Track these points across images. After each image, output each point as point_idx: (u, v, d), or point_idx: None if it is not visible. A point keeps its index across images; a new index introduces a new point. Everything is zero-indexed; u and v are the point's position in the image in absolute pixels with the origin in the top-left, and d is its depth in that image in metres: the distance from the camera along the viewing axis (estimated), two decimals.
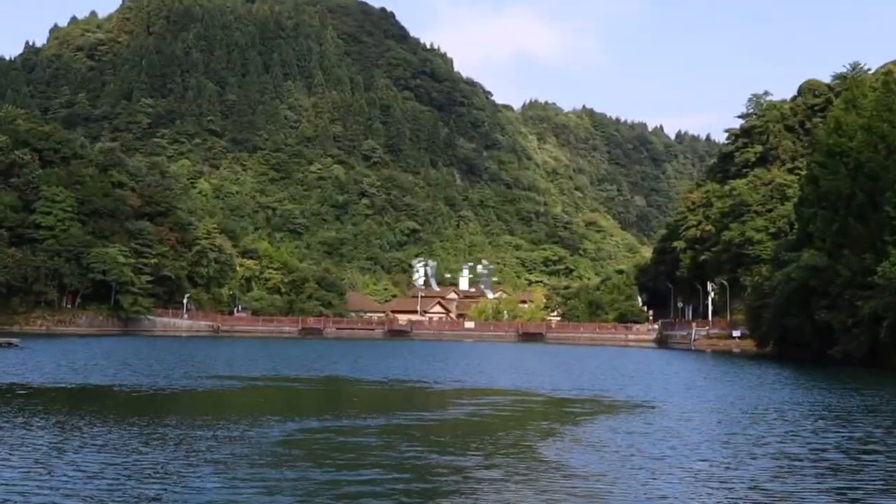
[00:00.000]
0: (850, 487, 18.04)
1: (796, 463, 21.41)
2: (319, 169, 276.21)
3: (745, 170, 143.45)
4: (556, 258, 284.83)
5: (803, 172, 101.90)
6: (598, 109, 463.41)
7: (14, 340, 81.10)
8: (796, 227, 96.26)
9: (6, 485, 16.33)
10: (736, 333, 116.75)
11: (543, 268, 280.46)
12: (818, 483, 18.58)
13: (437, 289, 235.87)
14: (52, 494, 15.51)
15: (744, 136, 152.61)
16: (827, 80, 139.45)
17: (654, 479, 18.92)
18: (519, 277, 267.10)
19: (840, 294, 74.03)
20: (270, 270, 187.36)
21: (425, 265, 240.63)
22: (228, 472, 18.47)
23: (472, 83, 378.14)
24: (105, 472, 18.00)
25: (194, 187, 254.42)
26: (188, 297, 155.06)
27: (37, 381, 42.29)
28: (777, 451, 23.44)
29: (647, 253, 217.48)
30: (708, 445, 24.53)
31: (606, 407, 36.74)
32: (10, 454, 19.94)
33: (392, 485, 17.91)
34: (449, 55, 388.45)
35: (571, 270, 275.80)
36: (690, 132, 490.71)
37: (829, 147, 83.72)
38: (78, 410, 30.33)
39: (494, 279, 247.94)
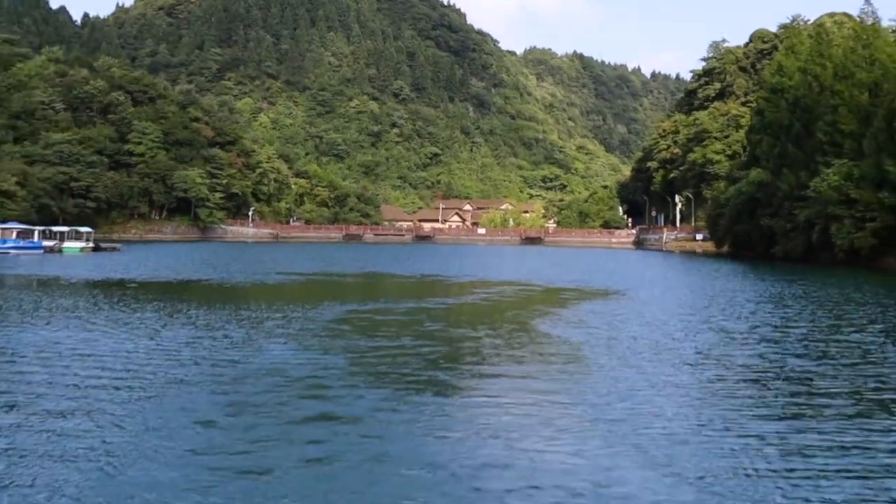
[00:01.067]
0: (773, 352, 18.86)
1: (734, 335, 22.09)
2: (357, 104, 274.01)
3: (706, 103, 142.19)
4: (552, 176, 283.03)
5: (753, 106, 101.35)
6: (586, 54, 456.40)
7: (117, 245, 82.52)
8: (747, 150, 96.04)
9: (129, 353, 17.42)
10: (699, 237, 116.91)
11: (542, 184, 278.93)
12: (749, 349, 19.41)
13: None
14: (161, 358, 16.49)
15: (705, 75, 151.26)
16: (774, 29, 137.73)
17: (623, 346, 19.71)
18: (522, 192, 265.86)
19: (781, 204, 74.21)
20: (319, 188, 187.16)
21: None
22: (295, 341, 19.41)
23: (481, 33, 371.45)
24: (200, 342, 19.01)
25: (256, 121, 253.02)
26: (253, 210, 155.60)
27: (140, 276, 43.33)
28: (721, 326, 24.04)
29: (627, 171, 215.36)
30: (667, 323, 25.10)
31: (590, 294, 37.45)
32: (129, 331, 20.95)
33: (421, 349, 18.89)
34: (462, 10, 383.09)
35: (565, 186, 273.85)
36: (663, 72, 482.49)
37: (773, 85, 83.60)
38: (175, 298, 31.29)
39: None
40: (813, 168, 69.85)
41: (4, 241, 70.42)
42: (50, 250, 71.76)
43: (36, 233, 75.30)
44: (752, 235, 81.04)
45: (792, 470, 9.32)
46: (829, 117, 70.52)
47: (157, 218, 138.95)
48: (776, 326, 24.18)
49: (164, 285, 38.49)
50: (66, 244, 74.41)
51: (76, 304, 27.69)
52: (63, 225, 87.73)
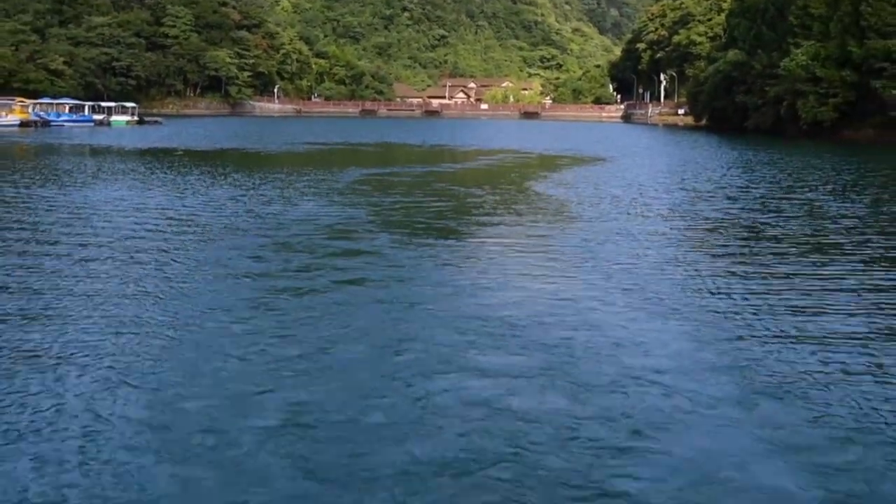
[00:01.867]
0: (737, 208, 19.54)
1: (705, 193, 22.73)
2: None
3: None
4: (549, 56, 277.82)
5: None
6: None
7: (159, 119, 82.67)
8: (727, 32, 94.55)
9: (183, 207, 18.21)
10: (681, 111, 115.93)
11: (540, 64, 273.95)
12: (714, 205, 20.12)
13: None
14: (210, 211, 17.21)
15: None
16: None
17: (607, 202, 20.41)
18: (521, 71, 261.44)
19: (754, 82, 73.80)
20: (337, 67, 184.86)
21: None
22: (324, 199, 20.15)
23: None
24: (243, 198, 19.79)
25: (278, 5, 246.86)
26: (278, 87, 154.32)
27: (183, 146, 43.98)
28: (693, 187, 24.63)
29: (617, 52, 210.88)
30: (646, 184, 25.76)
31: (580, 160, 38.02)
32: (181, 190, 21.75)
33: (431, 204, 19.69)
34: None
35: (561, 65, 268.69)
36: None
37: None
38: (217, 164, 31.99)
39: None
40: (784, 49, 69.18)
41: (59, 115, 70.60)
42: (99, 123, 72.06)
43: (86, 107, 75.43)
44: (728, 110, 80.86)
45: (736, 305, 10.07)
46: (800, 1, 69.46)
47: (192, 95, 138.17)
48: (741, 187, 24.76)
49: (206, 153, 39.12)
50: (114, 118, 74.62)
51: (132, 168, 28.48)
52: (108, 101, 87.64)
